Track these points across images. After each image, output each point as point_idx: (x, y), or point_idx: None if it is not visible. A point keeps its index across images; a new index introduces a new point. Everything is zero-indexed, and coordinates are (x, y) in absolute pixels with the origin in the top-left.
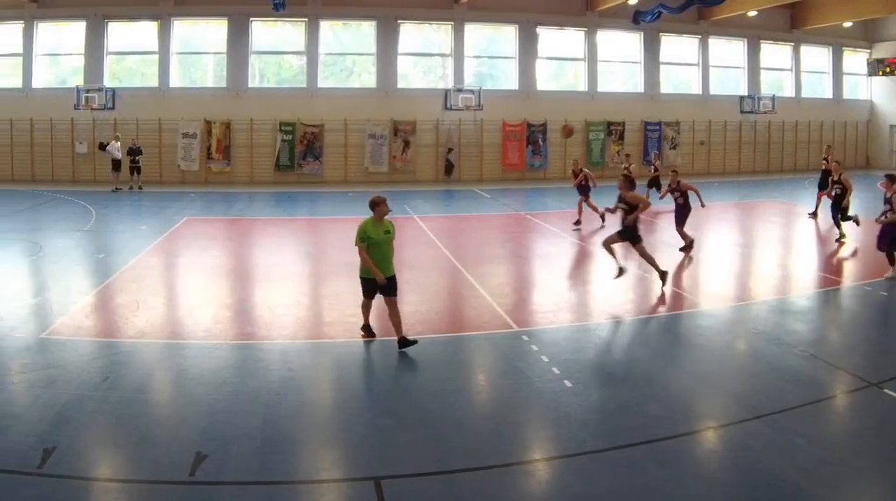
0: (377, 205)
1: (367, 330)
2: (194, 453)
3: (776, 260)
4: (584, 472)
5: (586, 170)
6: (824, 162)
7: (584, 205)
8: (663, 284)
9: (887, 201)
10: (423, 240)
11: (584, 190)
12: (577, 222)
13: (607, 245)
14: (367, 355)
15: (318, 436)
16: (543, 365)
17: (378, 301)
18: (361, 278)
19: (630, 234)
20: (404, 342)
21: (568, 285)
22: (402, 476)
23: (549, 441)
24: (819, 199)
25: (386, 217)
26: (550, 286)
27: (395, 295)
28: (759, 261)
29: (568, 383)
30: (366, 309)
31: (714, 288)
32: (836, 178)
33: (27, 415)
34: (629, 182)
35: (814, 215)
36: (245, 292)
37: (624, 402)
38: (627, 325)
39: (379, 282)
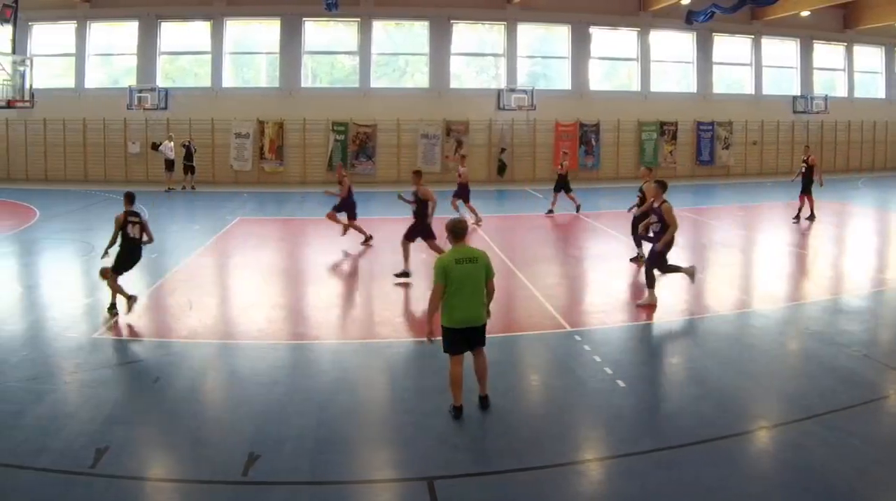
0: (461, 232)
1: (457, 412)
2: (247, 453)
3: (829, 260)
4: (637, 472)
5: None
6: (804, 164)
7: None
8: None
9: None
10: (476, 240)
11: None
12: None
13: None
14: (419, 355)
15: (371, 436)
16: (596, 365)
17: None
18: (445, 329)
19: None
20: (486, 401)
21: (620, 285)
22: (455, 476)
23: (602, 441)
24: (802, 202)
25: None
26: (603, 286)
27: (484, 343)
28: (811, 261)
29: (620, 383)
30: (455, 375)
31: (767, 288)
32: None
33: (80, 415)
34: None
35: (797, 219)
36: (297, 292)
37: (676, 402)
38: (680, 325)
39: (427, 338)
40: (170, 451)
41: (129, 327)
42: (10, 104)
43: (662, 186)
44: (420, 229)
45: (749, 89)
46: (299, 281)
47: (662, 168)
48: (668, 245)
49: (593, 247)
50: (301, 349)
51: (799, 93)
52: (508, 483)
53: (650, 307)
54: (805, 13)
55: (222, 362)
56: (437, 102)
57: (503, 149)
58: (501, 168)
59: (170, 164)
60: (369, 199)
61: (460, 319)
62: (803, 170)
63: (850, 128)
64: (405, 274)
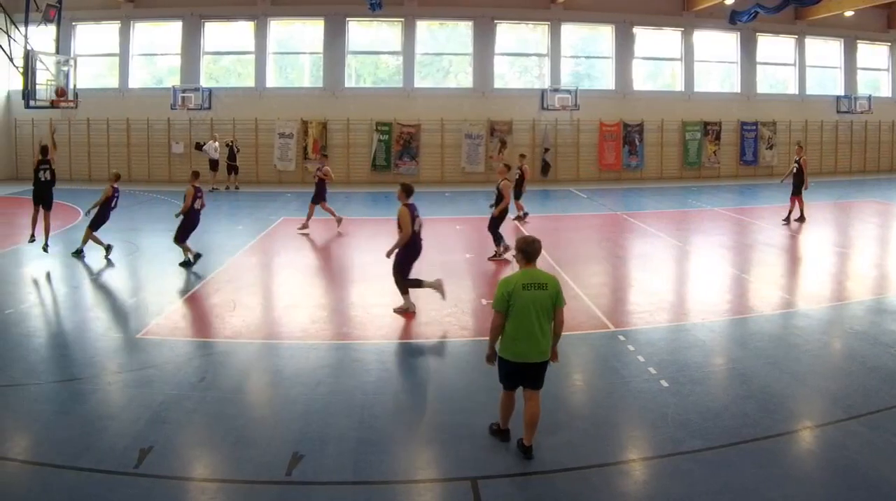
0: (534, 253)
1: (502, 435)
2: (291, 453)
3: (873, 261)
4: (681, 472)
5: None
6: (796, 164)
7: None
8: None
9: None
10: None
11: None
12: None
13: None
14: (463, 355)
15: (414, 436)
16: (640, 365)
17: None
18: (501, 360)
19: None
20: (529, 452)
21: (664, 285)
22: (499, 476)
23: (646, 441)
24: (793, 204)
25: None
26: (647, 286)
27: (541, 386)
28: (856, 261)
29: (664, 383)
30: (506, 407)
31: (811, 288)
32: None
33: (124, 415)
34: None
35: (787, 220)
36: (340, 292)
37: (720, 402)
38: (724, 325)
39: (488, 361)
40: (213, 451)
41: (174, 327)
42: (53, 104)
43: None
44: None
45: (793, 89)
46: (343, 281)
47: (706, 167)
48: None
49: (637, 246)
50: (344, 349)
51: (843, 94)
52: (552, 483)
53: (409, 314)
54: (849, 13)
55: (266, 362)
56: (481, 102)
57: (547, 149)
58: (545, 168)
59: (214, 164)
60: (414, 200)
61: (519, 352)
62: (795, 170)
63: (895, 128)
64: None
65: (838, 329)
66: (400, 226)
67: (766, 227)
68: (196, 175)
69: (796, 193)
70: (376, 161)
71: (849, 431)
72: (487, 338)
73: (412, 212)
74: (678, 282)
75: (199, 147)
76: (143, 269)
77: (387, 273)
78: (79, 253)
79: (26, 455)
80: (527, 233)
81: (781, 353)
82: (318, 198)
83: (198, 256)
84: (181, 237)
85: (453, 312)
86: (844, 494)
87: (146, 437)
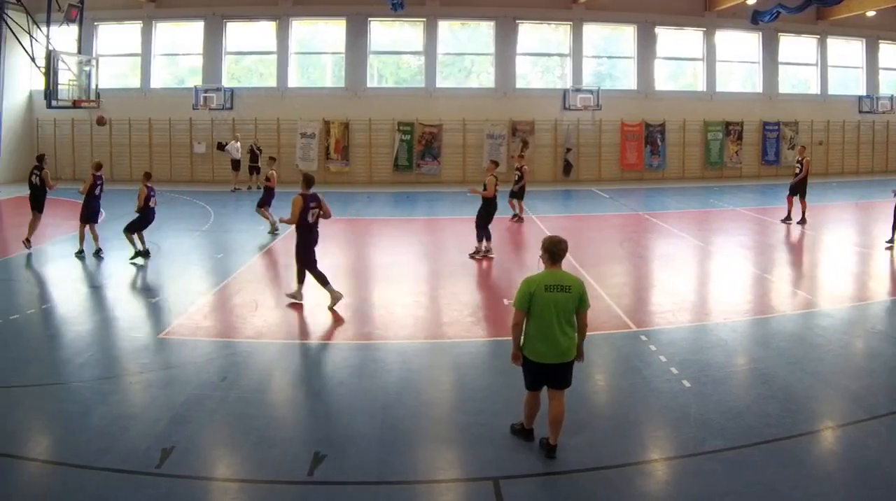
0: (560, 254)
1: (526, 435)
2: (312, 453)
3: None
4: (703, 472)
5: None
6: (798, 165)
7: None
8: None
9: None
10: (541, 240)
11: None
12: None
13: None
14: (485, 355)
15: (437, 437)
16: (661, 365)
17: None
18: (525, 359)
19: None
20: (553, 452)
21: (686, 285)
22: (521, 476)
23: (668, 441)
24: (791, 204)
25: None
26: (669, 286)
27: (567, 385)
28: (878, 261)
29: (686, 383)
30: (530, 407)
31: (833, 287)
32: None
33: (145, 415)
34: None
35: (787, 220)
36: (363, 292)
37: (742, 402)
38: (746, 325)
39: (513, 360)
40: (235, 451)
41: (196, 327)
42: (76, 104)
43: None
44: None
45: (815, 89)
46: (365, 281)
47: (728, 168)
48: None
49: (659, 247)
50: (366, 349)
51: (864, 94)
52: (574, 483)
53: (297, 305)
54: (870, 13)
55: (288, 362)
56: (503, 102)
57: (569, 149)
58: (567, 168)
59: (236, 164)
60: (436, 200)
61: (539, 353)
62: (798, 170)
63: None
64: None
65: (860, 328)
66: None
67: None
68: (147, 176)
69: (793, 194)
70: (398, 161)
71: (870, 431)
72: (510, 338)
73: (306, 201)
74: (700, 282)
75: (221, 147)
76: (164, 269)
77: (409, 273)
78: (141, 256)
79: (48, 455)
80: (552, 233)
81: (803, 353)
82: (265, 203)
83: (147, 253)
84: (131, 229)
85: (475, 312)
86: (866, 494)
87: (168, 437)
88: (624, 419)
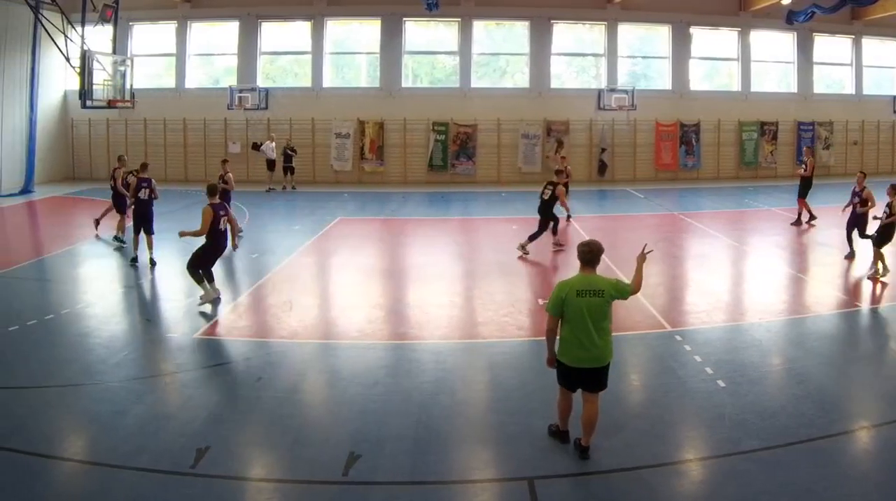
0: (591, 258)
1: (561, 437)
2: (347, 453)
3: None
4: (738, 472)
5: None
6: (802, 167)
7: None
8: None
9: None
10: (576, 240)
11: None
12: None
13: None
14: (520, 355)
15: (471, 437)
16: (696, 365)
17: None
18: (559, 363)
19: None
20: (586, 453)
21: (721, 285)
22: (556, 476)
23: (703, 441)
24: (802, 207)
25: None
26: (703, 286)
27: (601, 388)
28: None
29: (721, 383)
30: (562, 407)
31: (868, 287)
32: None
33: (181, 415)
34: None
35: (798, 223)
36: (397, 292)
37: (777, 402)
38: (781, 325)
39: (548, 364)
40: (270, 451)
41: (230, 327)
42: (111, 104)
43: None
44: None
45: (849, 89)
46: (399, 281)
47: (763, 167)
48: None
49: (694, 247)
50: (401, 349)
51: None
52: (609, 483)
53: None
54: None
55: (323, 362)
56: (538, 102)
57: (603, 149)
58: (602, 168)
59: (271, 164)
60: (471, 200)
61: (574, 358)
62: (803, 170)
63: None
64: None
65: (895, 329)
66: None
67: (823, 227)
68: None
69: (802, 195)
70: (433, 161)
71: None
72: (544, 338)
73: (216, 211)
74: (735, 282)
75: (256, 147)
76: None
77: (444, 273)
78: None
79: (84, 455)
80: (588, 237)
81: (838, 353)
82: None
83: (134, 259)
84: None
85: (510, 312)
86: None
87: (203, 437)
88: (659, 419)
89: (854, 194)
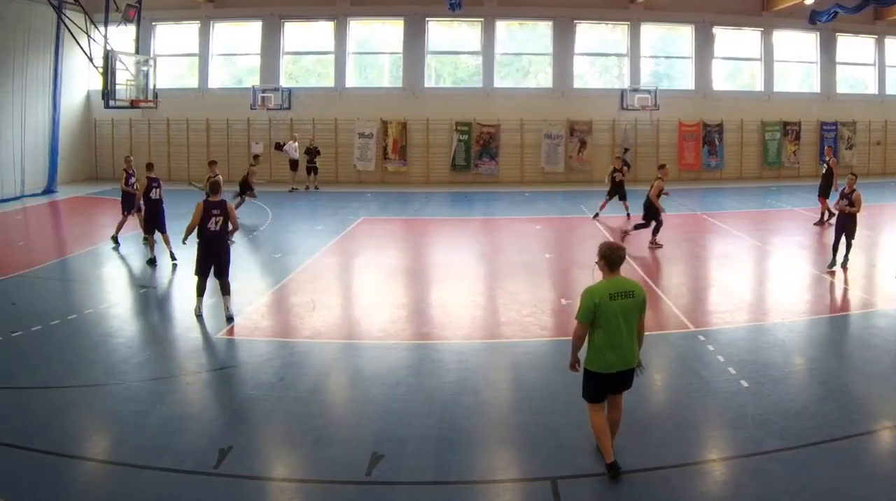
0: (618, 261)
1: (611, 469)
2: (370, 453)
3: None
4: (761, 472)
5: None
6: (824, 165)
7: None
8: None
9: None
10: (600, 240)
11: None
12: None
13: None
14: (543, 355)
15: (494, 436)
16: (719, 365)
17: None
18: (586, 371)
19: None
20: (615, 469)
21: (744, 285)
22: (579, 476)
23: (726, 441)
24: (824, 207)
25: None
26: (727, 286)
27: (627, 388)
28: None
29: (744, 383)
30: (599, 426)
31: (891, 288)
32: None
33: (203, 415)
34: None
35: (821, 223)
36: (420, 292)
37: (800, 402)
38: (804, 325)
39: (571, 368)
40: (293, 451)
41: (253, 327)
42: (133, 104)
43: None
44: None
45: (872, 89)
46: (422, 281)
47: (786, 167)
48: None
49: (717, 247)
50: (424, 349)
51: None
52: (632, 483)
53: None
54: None
55: (345, 362)
56: (561, 102)
57: (626, 149)
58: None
59: (294, 164)
60: (494, 200)
61: (608, 363)
62: (824, 171)
63: None
64: None
65: None
66: None
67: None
68: (150, 167)
69: (824, 195)
70: (456, 161)
71: None
72: (568, 338)
73: (207, 208)
74: (758, 282)
75: (279, 147)
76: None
77: (467, 273)
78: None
79: (106, 455)
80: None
81: (861, 353)
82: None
83: (151, 260)
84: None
85: (533, 312)
86: None
87: (226, 437)
88: (682, 419)
89: (843, 196)
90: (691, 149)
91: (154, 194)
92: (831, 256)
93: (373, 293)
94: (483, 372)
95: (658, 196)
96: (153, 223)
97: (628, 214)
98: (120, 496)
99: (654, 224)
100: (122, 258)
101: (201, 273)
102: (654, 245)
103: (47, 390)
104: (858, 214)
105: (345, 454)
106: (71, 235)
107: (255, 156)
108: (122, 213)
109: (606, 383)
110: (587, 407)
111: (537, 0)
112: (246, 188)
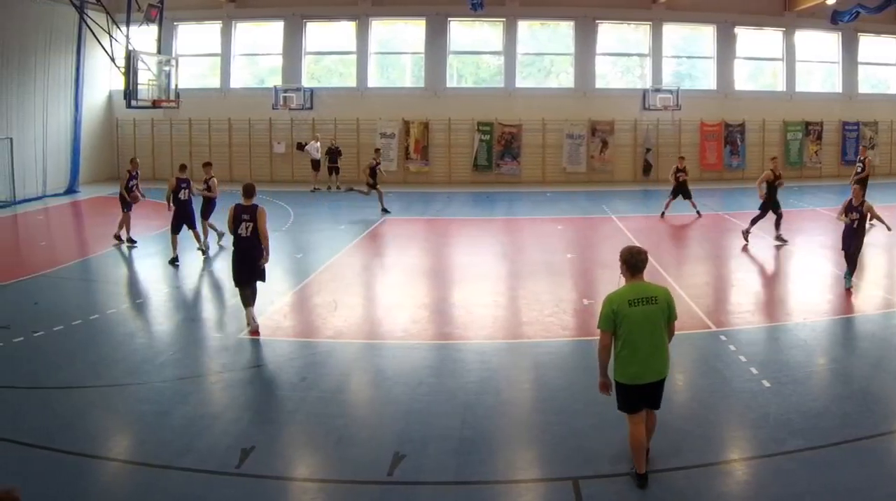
0: (639, 265)
1: (640, 480)
2: (392, 453)
3: None
4: (783, 472)
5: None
6: (860, 165)
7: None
8: None
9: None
10: (622, 240)
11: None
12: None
13: None
14: (565, 355)
15: (516, 436)
16: (741, 365)
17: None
18: (617, 384)
19: None
20: (644, 480)
21: (766, 285)
22: (600, 476)
23: (748, 441)
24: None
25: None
26: (748, 286)
27: (659, 405)
28: None
29: (766, 383)
30: (636, 438)
31: None
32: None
33: (226, 415)
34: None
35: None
36: (442, 292)
37: (822, 402)
38: (825, 325)
39: (601, 390)
40: (315, 451)
41: (275, 327)
42: (155, 104)
43: None
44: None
45: (894, 89)
46: (444, 281)
47: (808, 167)
48: None
49: (738, 246)
50: (446, 349)
51: None
52: (655, 483)
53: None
54: None
55: (367, 362)
56: (583, 102)
57: (648, 149)
58: (647, 168)
59: (315, 164)
60: (516, 200)
61: (634, 374)
62: (860, 170)
63: None
64: None
65: None
66: None
67: (868, 227)
68: (183, 168)
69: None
70: (478, 161)
71: None
72: (590, 338)
73: (237, 213)
74: (779, 282)
75: (301, 147)
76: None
77: (489, 273)
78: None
79: (129, 455)
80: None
81: (883, 353)
82: (208, 213)
83: (174, 260)
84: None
85: (555, 312)
86: None
87: (248, 437)
88: (704, 419)
89: (851, 209)
90: (713, 149)
91: (182, 195)
92: (848, 274)
93: (395, 293)
94: (505, 372)
95: (763, 184)
96: (181, 222)
97: (698, 212)
98: (142, 496)
99: (774, 217)
100: (144, 258)
101: (238, 282)
102: (780, 241)
103: (69, 390)
104: (876, 221)
105: (367, 454)
106: (93, 235)
107: (377, 150)
108: (123, 211)
109: (639, 394)
110: (626, 419)
111: (559, 0)
112: (373, 181)
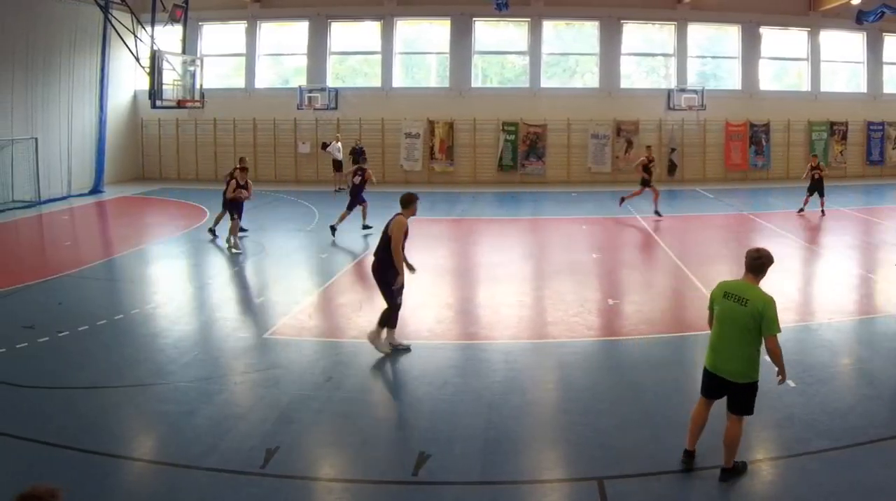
0: (756, 264)
1: (689, 459)
2: (417, 453)
3: None
4: (808, 472)
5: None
6: None
7: None
8: None
9: None
10: (646, 240)
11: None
12: None
13: None
14: (590, 355)
15: (541, 436)
16: (766, 365)
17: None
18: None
19: None
20: (725, 474)
21: (791, 286)
22: (625, 476)
23: (772, 441)
24: None
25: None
26: (773, 286)
27: (745, 411)
28: None
29: (791, 383)
30: (693, 418)
31: None
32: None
33: (251, 416)
34: None
35: None
36: (467, 292)
37: (847, 402)
38: (851, 326)
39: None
40: (340, 451)
41: (300, 327)
42: (180, 104)
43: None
44: None
45: None
46: (469, 281)
47: (833, 168)
48: None
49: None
50: (471, 349)
51: None
52: (679, 483)
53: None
54: None
55: (393, 362)
56: (607, 102)
57: (673, 149)
58: (672, 168)
59: (338, 165)
60: (541, 200)
61: (711, 362)
62: None
63: None
64: None
65: None
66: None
67: (893, 227)
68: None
69: None
70: (503, 161)
71: None
72: (615, 338)
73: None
74: (804, 282)
75: (325, 147)
76: (269, 269)
77: (514, 273)
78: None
79: (153, 455)
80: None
81: None
82: (240, 214)
83: (212, 230)
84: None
85: (580, 312)
86: None
87: (273, 437)
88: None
89: None
90: (738, 149)
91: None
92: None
93: (419, 293)
94: (530, 372)
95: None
96: (233, 209)
97: (823, 211)
98: (167, 495)
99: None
100: (169, 258)
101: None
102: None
103: (94, 390)
104: None
105: (392, 454)
106: (117, 235)
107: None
108: (232, 218)
109: (713, 384)
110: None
111: (584, 0)
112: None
